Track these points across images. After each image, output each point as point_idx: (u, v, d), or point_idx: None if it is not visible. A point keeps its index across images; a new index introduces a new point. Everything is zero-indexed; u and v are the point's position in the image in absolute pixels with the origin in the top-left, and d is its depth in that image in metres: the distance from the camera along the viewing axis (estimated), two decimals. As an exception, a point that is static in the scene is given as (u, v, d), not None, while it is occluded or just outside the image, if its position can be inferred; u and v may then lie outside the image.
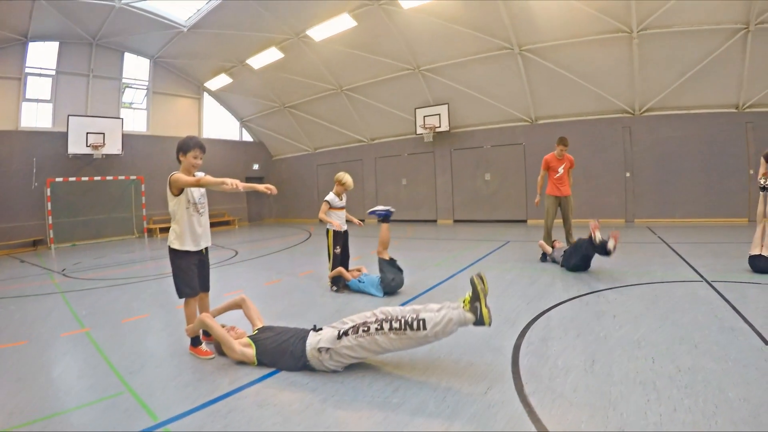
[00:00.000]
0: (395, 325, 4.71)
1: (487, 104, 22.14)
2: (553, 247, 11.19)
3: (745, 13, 16.24)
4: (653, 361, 4.87)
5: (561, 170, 11.53)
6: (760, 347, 5.13)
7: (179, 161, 5.77)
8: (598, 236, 9.22)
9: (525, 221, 21.95)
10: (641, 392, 4.18)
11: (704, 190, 18.76)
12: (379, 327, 4.75)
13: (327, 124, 27.82)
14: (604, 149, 20.16)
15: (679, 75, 18.18)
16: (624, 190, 20.07)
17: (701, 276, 8.90)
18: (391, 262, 8.76)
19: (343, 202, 9.54)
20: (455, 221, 24.18)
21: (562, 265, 10.31)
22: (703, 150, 18.58)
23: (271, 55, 23.63)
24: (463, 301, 4.77)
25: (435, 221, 24.78)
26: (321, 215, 9.25)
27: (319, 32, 21.17)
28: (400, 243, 16.78)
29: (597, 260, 10.37)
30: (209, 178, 5.40)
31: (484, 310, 4.63)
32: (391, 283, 8.45)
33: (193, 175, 5.76)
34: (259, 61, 24.32)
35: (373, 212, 9.11)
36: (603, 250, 9.21)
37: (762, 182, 9.04)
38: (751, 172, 17.60)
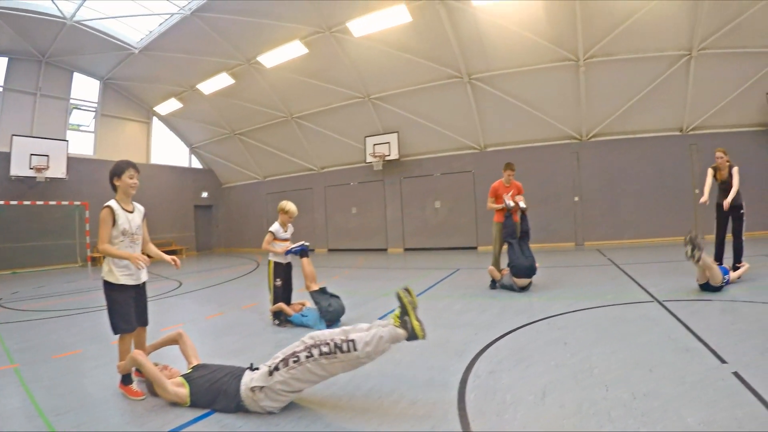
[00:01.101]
0: (324, 349, 4.41)
1: (437, 132, 22.17)
2: (502, 274, 10.90)
3: (687, 40, 17.22)
4: (607, 389, 4.58)
5: (508, 198, 11.08)
6: (716, 366, 4.97)
7: (114, 188, 5.40)
8: (510, 203, 10.47)
9: (475, 248, 21.81)
10: (595, 424, 3.88)
11: (652, 210, 19.56)
12: (308, 354, 4.44)
13: (277, 152, 27.42)
14: (553, 175, 20.59)
15: (624, 101, 18.91)
16: (573, 215, 20.65)
17: (652, 296, 8.86)
18: (322, 290, 8.44)
19: (288, 234, 9.01)
20: (406, 249, 23.91)
21: (511, 271, 10.26)
22: (649, 172, 19.70)
23: (222, 80, 23.31)
24: (393, 317, 4.57)
25: (385, 250, 24.46)
26: (265, 246, 8.77)
27: (270, 59, 21.04)
28: (351, 273, 16.43)
29: (546, 284, 10.56)
30: (115, 251, 5.19)
31: (415, 323, 4.43)
32: (328, 309, 8.07)
33: (131, 203, 5.51)
34: (210, 86, 23.96)
35: (289, 252, 8.74)
36: (521, 213, 10.56)
37: (687, 253, 8.57)
38: (696, 191, 18.20)
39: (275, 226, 8.86)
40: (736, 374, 4.66)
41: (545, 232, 19.89)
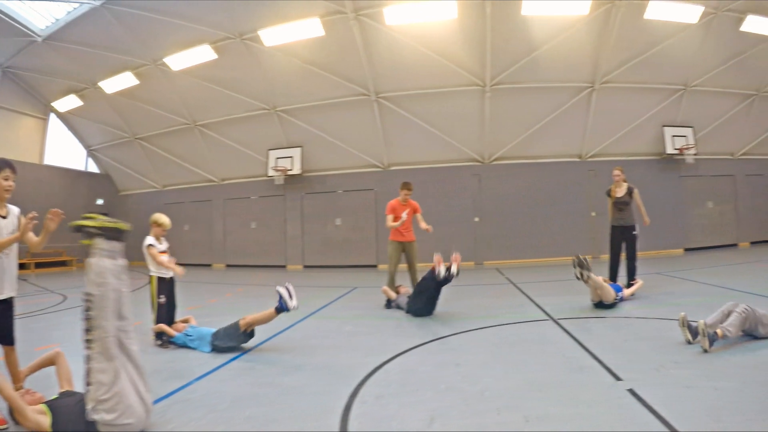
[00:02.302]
0: (85, 325, 4.04)
1: (341, 149, 21.76)
2: (398, 293, 10.59)
3: (591, 73, 18.87)
4: (498, 413, 4.30)
5: (405, 216, 11.02)
6: (611, 384, 4.88)
7: None
8: (441, 271, 8.90)
9: (375, 266, 21.33)
10: (486, 452, 3.46)
11: (551, 231, 20.45)
12: (86, 342, 4.04)
13: (178, 161, 25.80)
14: (455, 195, 21.06)
15: (527, 127, 19.86)
16: (474, 234, 20.94)
17: (548, 314, 8.79)
18: (248, 334, 7.32)
19: (164, 246, 8.30)
20: (305, 267, 23.13)
21: (407, 311, 9.70)
22: (548, 195, 20.69)
23: (126, 80, 21.84)
24: (87, 243, 4.27)
25: (284, 267, 23.52)
26: (159, 259, 7.91)
27: (177, 61, 20.04)
28: (245, 290, 15.63)
29: (443, 303, 9.93)
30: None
31: (90, 223, 4.16)
32: (221, 344, 7.17)
33: (5, 207, 5.03)
34: (113, 85, 22.39)
35: (282, 303, 7.07)
36: (447, 280, 9.09)
37: (577, 275, 8.81)
38: (593, 214, 19.47)
39: (151, 240, 8.04)
40: (631, 391, 4.58)
41: (445, 251, 19.51)
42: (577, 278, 8.74)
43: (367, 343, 7.49)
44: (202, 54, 19.48)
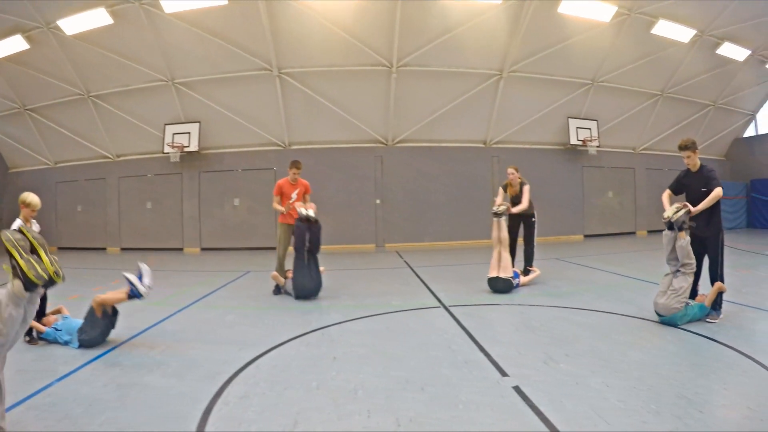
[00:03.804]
0: None
1: (241, 126, 20.46)
2: (286, 278, 10.12)
3: (500, 62, 19.06)
4: (369, 416, 4.01)
5: (294, 196, 10.42)
6: (496, 381, 4.72)
7: None
8: (302, 212, 9.51)
9: (274, 248, 20.37)
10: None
11: (453, 215, 20.61)
12: None
13: (70, 135, 23.25)
14: (356, 177, 20.67)
15: (433, 110, 19.84)
16: (374, 217, 20.75)
17: (440, 301, 8.60)
18: (109, 317, 6.69)
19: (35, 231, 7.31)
20: (203, 249, 21.56)
21: (293, 288, 9.56)
22: (452, 179, 20.84)
23: (16, 44, 19.39)
24: (5, 268, 3.69)
25: (181, 249, 21.87)
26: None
27: (71, 25, 18.01)
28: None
29: (333, 288, 10.06)
30: None
31: (21, 263, 3.55)
32: (87, 338, 6.52)
33: None
34: (2, 49, 19.81)
35: (128, 282, 6.57)
36: (313, 240, 9.53)
37: (495, 209, 9.88)
38: (495, 199, 18.93)
39: (19, 223, 7.10)
40: (516, 389, 4.45)
41: (345, 233, 19.66)
42: (494, 213, 9.79)
43: (245, 334, 7.00)
44: (98, 18, 17.66)
